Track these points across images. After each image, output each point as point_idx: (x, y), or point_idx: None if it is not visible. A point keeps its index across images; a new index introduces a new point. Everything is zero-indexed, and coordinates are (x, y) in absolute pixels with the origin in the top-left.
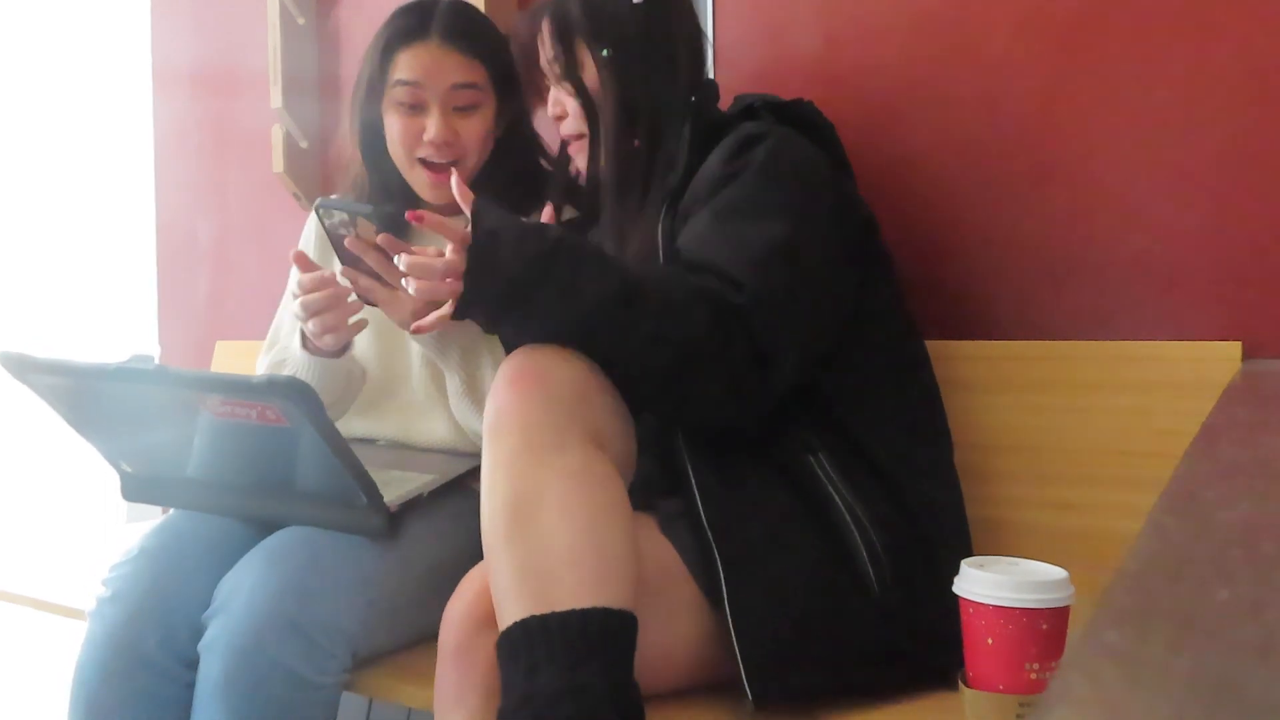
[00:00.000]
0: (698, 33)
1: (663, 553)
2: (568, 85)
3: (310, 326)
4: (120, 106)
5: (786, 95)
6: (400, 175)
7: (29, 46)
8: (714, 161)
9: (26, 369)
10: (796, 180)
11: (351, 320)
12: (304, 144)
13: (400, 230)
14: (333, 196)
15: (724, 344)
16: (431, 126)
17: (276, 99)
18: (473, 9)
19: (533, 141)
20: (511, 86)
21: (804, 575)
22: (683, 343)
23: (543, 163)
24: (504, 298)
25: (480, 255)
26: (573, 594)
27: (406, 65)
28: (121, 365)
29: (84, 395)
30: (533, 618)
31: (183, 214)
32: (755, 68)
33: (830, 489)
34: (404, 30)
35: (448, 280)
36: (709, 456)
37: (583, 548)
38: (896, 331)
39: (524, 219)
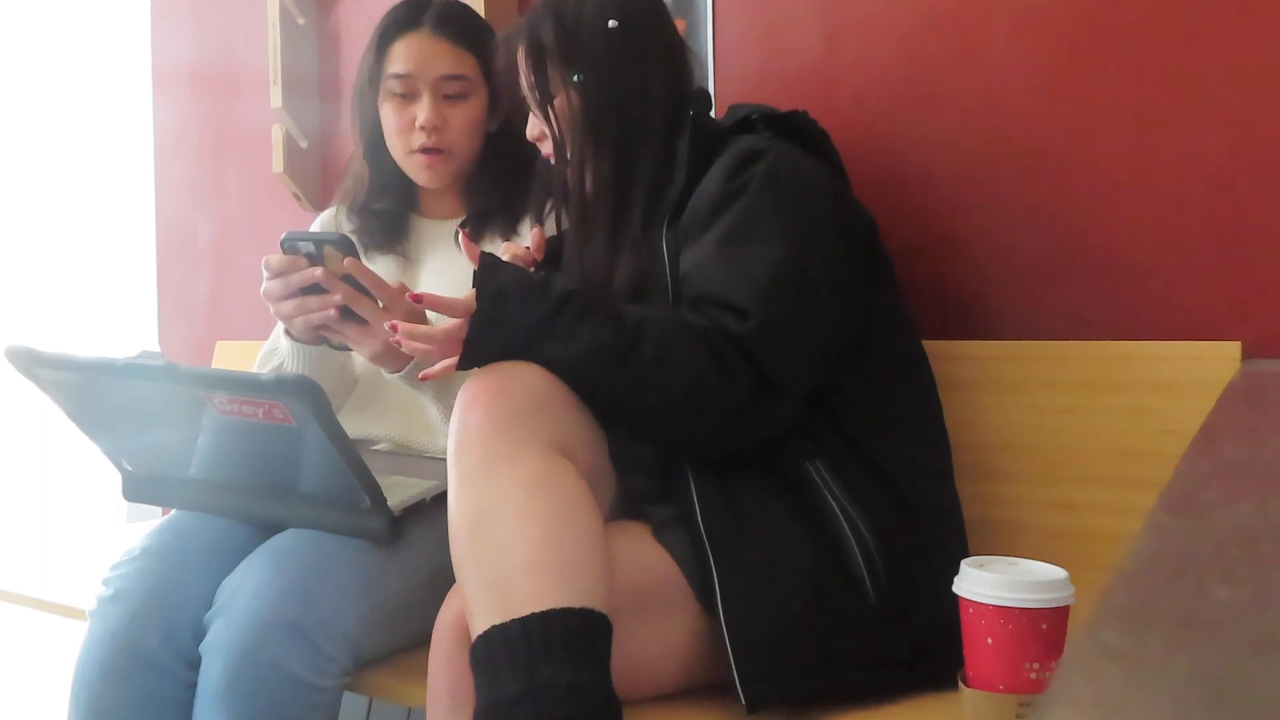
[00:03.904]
0: (678, 47)
1: (656, 559)
2: (549, 107)
3: (273, 311)
4: (120, 106)
5: (786, 95)
6: (399, 172)
7: (29, 46)
8: (713, 179)
9: (34, 363)
10: (798, 199)
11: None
12: (304, 144)
13: (393, 240)
14: (295, 229)
15: (725, 382)
16: (422, 112)
17: (276, 99)
18: (466, 6)
19: (521, 143)
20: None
21: (799, 581)
22: (681, 391)
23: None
24: (503, 354)
25: (483, 323)
26: (532, 598)
27: (399, 57)
28: (130, 361)
29: (89, 391)
30: (494, 627)
31: (183, 214)
32: (755, 68)
33: (827, 494)
34: (398, 23)
35: (448, 345)
36: (709, 463)
37: (540, 552)
38: (897, 333)
39: (530, 272)
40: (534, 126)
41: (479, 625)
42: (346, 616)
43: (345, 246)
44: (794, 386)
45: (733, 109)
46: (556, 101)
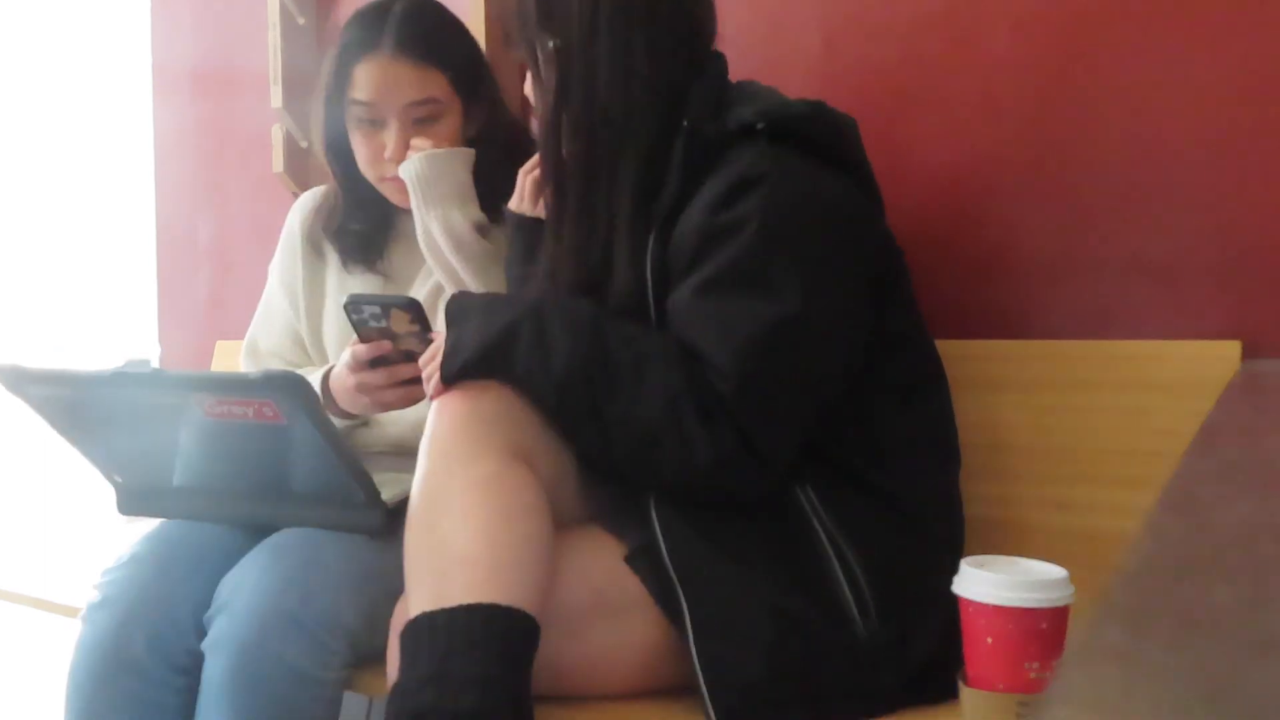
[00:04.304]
0: (678, 13)
1: (623, 570)
2: (529, 69)
3: (365, 403)
4: (120, 106)
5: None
6: (373, 189)
7: (29, 47)
8: (701, 204)
9: (22, 381)
10: (799, 242)
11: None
12: (304, 144)
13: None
14: (361, 292)
15: (691, 434)
16: (390, 144)
17: (276, 99)
18: (432, 9)
19: (510, 137)
20: (478, 88)
21: (777, 615)
22: (646, 433)
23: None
24: (472, 364)
25: (450, 336)
26: (461, 591)
27: (361, 83)
28: (118, 371)
29: (79, 405)
30: (422, 614)
31: (183, 214)
32: (754, 67)
33: (815, 522)
34: (357, 43)
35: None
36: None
37: (476, 548)
38: (908, 356)
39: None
40: (529, 81)
41: (413, 613)
42: (344, 609)
43: (413, 309)
44: (779, 451)
45: (741, 98)
46: (542, 65)
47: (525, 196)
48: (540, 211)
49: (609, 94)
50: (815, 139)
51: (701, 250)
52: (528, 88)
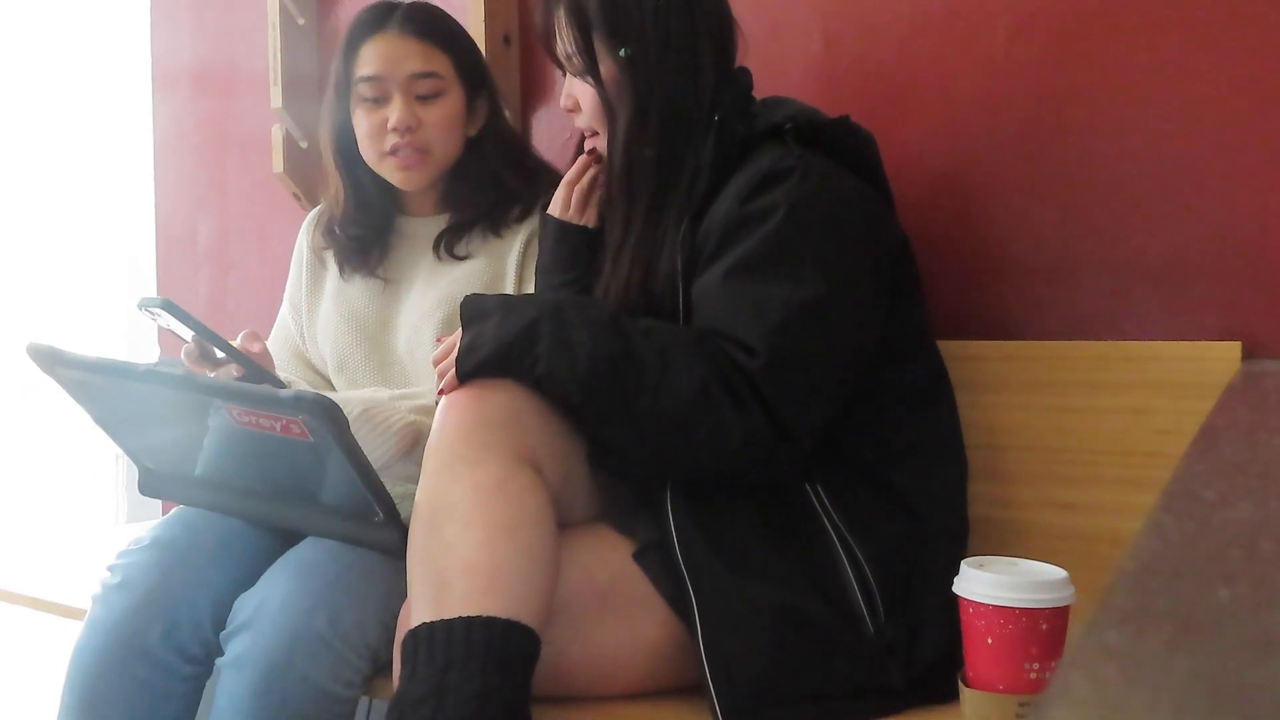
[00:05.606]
0: (726, 30)
1: (631, 570)
2: (589, 80)
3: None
4: (120, 106)
5: (786, 95)
6: (375, 183)
7: (29, 47)
8: (731, 195)
9: (55, 363)
10: (823, 231)
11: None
12: (304, 144)
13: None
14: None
15: (734, 410)
16: (394, 114)
17: (276, 99)
18: (435, 7)
19: (510, 144)
20: (480, 84)
21: (785, 612)
22: (680, 420)
23: (529, 160)
24: (490, 362)
25: (468, 333)
26: (462, 602)
27: (367, 59)
28: (150, 368)
29: (108, 393)
30: (423, 625)
31: (183, 214)
32: (755, 67)
33: (825, 520)
34: (364, 26)
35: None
36: (689, 486)
37: (478, 559)
38: (920, 355)
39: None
40: (568, 97)
41: (414, 621)
42: (369, 627)
43: (172, 309)
44: (806, 431)
45: (769, 107)
46: (604, 75)
47: (572, 206)
48: (589, 220)
49: (684, 96)
50: (839, 143)
51: (729, 236)
52: (566, 102)
